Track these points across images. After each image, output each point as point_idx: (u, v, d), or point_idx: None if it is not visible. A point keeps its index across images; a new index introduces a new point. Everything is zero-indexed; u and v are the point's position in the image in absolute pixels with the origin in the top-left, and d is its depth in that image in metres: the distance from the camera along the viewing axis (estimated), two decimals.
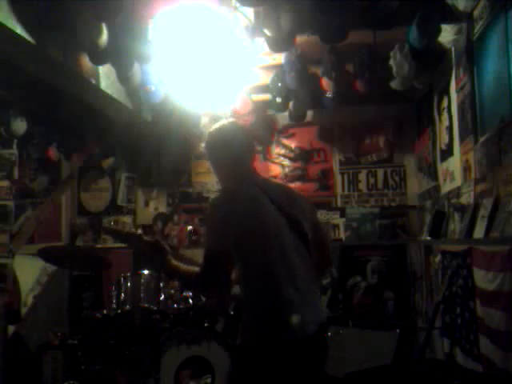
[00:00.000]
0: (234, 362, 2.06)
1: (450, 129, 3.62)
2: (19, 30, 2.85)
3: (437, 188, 4.05)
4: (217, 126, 2.22)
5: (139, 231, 2.18)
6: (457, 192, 3.42)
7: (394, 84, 3.68)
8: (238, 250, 1.96)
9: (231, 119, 2.35)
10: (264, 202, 2.03)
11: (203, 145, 2.25)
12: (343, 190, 5.14)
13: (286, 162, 5.24)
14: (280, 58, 3.87)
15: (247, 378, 1.95)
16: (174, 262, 2.08)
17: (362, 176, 5.10)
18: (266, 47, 3.36)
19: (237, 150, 2.17)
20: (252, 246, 1.96)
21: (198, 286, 2.12)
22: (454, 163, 3.52)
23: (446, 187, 3.79)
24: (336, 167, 5.18)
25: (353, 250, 4.92)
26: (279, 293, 1.94)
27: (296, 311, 1.92)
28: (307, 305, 1.99)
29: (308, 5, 3.09)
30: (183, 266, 2.08)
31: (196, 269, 2.01)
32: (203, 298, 3.84)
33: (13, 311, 4.64)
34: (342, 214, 5.03)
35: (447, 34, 3.28)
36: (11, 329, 4.68)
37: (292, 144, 5.26)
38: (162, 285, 3.85)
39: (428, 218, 4.11)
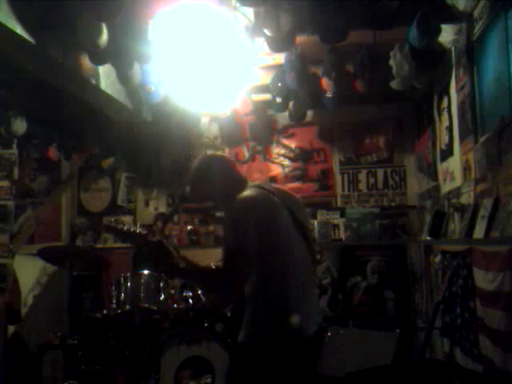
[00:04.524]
0: (236, 361, 2.06)
1: (449, 129, 3.62)
2: (19, 30, 2.85)
3: (437, 188, 4.05)
4: (197, 161, 2.30)
5: (139, 229, 2.11)
6: (457, 192, 3.42)
7: (394, 84, 3.68)
8: (255, 251, 1.97)
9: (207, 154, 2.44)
10: (281, 206, 2.07)
11: (189, 182, 2.29)
12: (343, 190, 5.14)
13: (286, 162, 5.24)
14: (280, 58, 3.86)
15: (250, 378, 1.96)
16: (184, 264, 2.06)
17: (362, 176, 5.10)
18: (266, 47, 3.36)
19: (227, 172, 2.23)
20: (267, 249, 1.98)
21: (222, 283, 2.02)
22: (454, 163, 3.51)
23: (446, 187, 3.79)
24: (336, 167, 5.18)
25: (353, 250, 4.92)
26: (288, 295, 1.99)
27: (302, 313, 1.98)
28: (311, 306, 2.06)
29: (308, 5, 3.09)
30: (198, 265, 2.10)
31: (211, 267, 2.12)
32: (216, 297, 3.74)
33: (13, 311, 4.64)
34: (342, 214, 5.02)
35: (447, 34, 3.28)
36: (11, 329, 4.68)
37: (292, 144, 5.26)
38: (162, 285, 3.84)
39: (428, 218, 4.10)
